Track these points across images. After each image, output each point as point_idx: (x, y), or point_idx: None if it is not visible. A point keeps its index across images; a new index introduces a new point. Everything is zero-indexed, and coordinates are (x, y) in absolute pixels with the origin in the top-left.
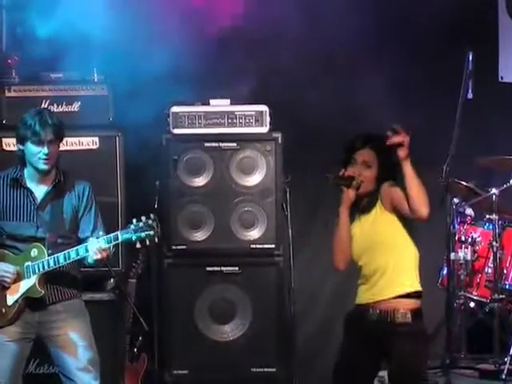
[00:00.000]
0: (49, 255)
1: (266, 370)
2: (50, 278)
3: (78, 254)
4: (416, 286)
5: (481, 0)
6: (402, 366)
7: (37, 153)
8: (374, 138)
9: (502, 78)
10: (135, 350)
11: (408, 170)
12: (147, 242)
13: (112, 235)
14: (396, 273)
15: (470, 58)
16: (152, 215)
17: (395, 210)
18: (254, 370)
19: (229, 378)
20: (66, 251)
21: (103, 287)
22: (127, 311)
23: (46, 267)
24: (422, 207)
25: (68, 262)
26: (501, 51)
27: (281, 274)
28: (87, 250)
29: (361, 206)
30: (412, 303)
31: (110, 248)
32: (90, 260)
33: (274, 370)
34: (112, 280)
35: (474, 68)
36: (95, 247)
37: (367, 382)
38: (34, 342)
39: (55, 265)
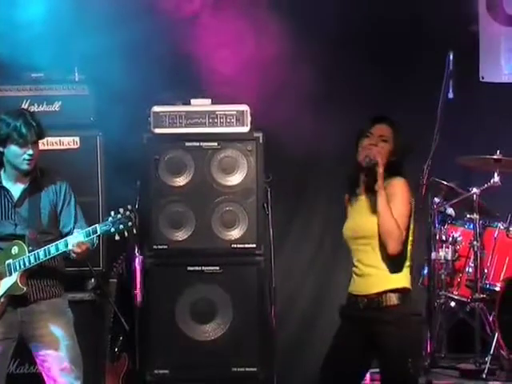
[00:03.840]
0: (29, 252)
1: (246, 369)
2: (33, 275)
3: (57, 250)
4: (406, 283)
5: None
6: (390, 356)
7: (21, 154)
8: (388, 117)
9: (482, 78)
10: (116, 349)
11: (382, 201)
12: (126, 234)
13: (91, 228)
14: (390, 270)
15: (451, 57)
16: (129, 207)
17: None
18: (235, 369)
19: (210, 377)
20: (46, 247)
21: (84, 287)
22: (108, 311)
23: (26, 264)
24: (391, 245)
25: (49, 257)
26: (481, 51)
27: (262, 273)
28: (67, 245)
29: (365, 183)
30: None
31: (92, 241)
32: (71, 255)
33: (254, 369)
34: (93, 280)
35: (454, 68)
36: (74, 241)
37: (358, 374)
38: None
39: (36, 261)
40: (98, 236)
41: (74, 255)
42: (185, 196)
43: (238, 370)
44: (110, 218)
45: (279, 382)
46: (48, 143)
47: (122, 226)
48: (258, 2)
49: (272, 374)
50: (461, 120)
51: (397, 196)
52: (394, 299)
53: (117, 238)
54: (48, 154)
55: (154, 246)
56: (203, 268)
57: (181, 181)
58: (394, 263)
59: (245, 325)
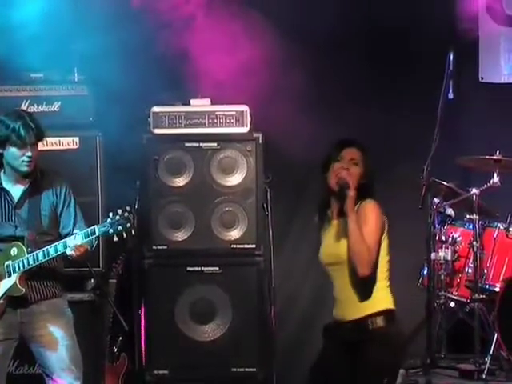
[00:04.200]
0: (28, 253)
1: (246, 369)
2: (33, 276)
3: (56, 251)
4: (389, 304)
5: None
6: (368, 373)
7: (20, 156)
8: (359, 141)
9: (482, 78)
10: (115, 350)
11: (352, 224)
12: (124, 235)
13: (89, 230)
14: (359, 296)
15: (451, 57)
16: (128, 207)
17: None
18: (235, 369)
19: (209, 377)
20: (44, 248)
21: (83, 287)
22: (107, 311)
23: (25, 265)
24: (360, 267)
25: (47, 258)
26: (481, 52)
27: (261, 273)
28: (65, 247)
29: (337, 207)
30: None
31: (91, 242)
32: (70, 256)
33: (254, 369)
34: (92, 280)
35: (454, 68)
36: (73, 244)
37: None
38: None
39: (34, 262)
40: (97, 237)
41: (72, 257)
42: (184, 196)
43: (238, 370)
44: (109, 220)
45: (278, 382)
46: (47, 143)
47: (120, 228)
48: (254, 2)
49: (271, 375)
50: (460, 120)
51: (368, 218)
52: (379, 322)
53: (115, 239)
54: (47, 155)
55: (154, 247)
56: (203, 268)
57: (180, 181)
58: (365, 287)
59: (244, 325)
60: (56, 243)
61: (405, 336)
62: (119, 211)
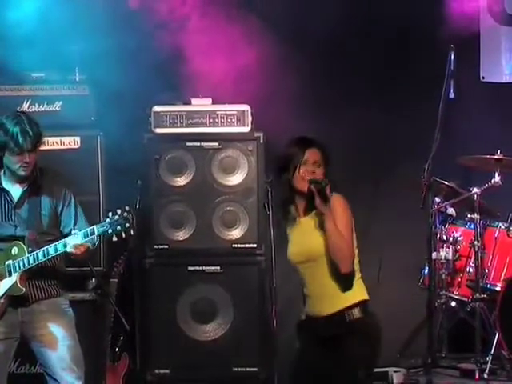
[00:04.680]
0: (29, 253)
1: (247, 369)
2: (33, 276)
3: (56, 250)
4: (362, 296)
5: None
6: (346, 364)
7: (17, 162)
8: (315, 139)
9: (483, 78)
10: (117, 349)
11: (330, 223)
12: (123, 235)
13: (88, 229)
14: (341, 288)
15: (452, 57)
16: (127, 207)
17: None
18: (236, 369)
19: (210, 377)
20: (44, 248)
21: (85, 287)
22: (109, 311)
23: (26, 265)
24: (343, 264)
25: (47, 258)
26: (482, 51)
27: (262, 273)
28: (65, 246)
29: (304, 206)
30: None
31: (93, 240)
32: (70, 255)
33: (255, 369)
34: (93, 280)
35: (455, 67)
36: (72, 243)
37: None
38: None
39: (35, 262)
40: (98, 236)
41: (73, 255)
42: (185, 196)
43: (239, 369)
44: (108, 219)
45: (280, 381)
46: (49, 143)
47: (119, 228)
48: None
49: (273, 374)
50: (462, 120)
51: (338, 213)
52: (356, 313)
53: (114, 239)
54: (49, 154)
55: (155, 246)
56: (204, 268)
57: (181, 181)
58: (346, 280)
59: (245, 325)
60: (56, 243)
61: (380, 325)
62: (118, 211)
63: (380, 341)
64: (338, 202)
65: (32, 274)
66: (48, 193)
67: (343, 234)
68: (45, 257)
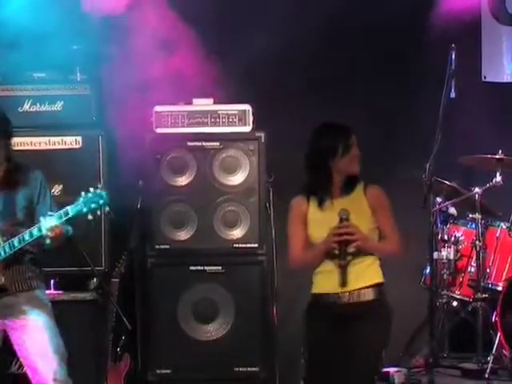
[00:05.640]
0: (4, 242)
1: (248, 369)
2: (11, 267)
3: (32, 236)
4: (378, 278)
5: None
6: (362, 349)
7: None
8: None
9: (484, 78)
10: (118, 349)
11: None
12: (98, 213)
13: (62, 211)
14: (365, 266)
15: (453, 56)
16: (99, 185)
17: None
18: (237, 369)
19: (212, 377)
20: (19, 235)
21: (86, 287)
22: (110, 311)
23: (2, 254)
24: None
25: (24, 244)
26: (483, 51)
27: (264, 273)
28: (40, 230)
29: (338, 188)
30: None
31: (66, 228)
32: (46, 240)
33: (256, 369)
34: (95, 279)
35: (456, 67)
36: (48, 225)
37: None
38: None
39: (11, 249)
40: (71, 218)
41: (49, 241)
42: (187, 196)
43: (240, 369)
44: (81, 198)
45: (281, 381)
46: (50, 143)
47: (94, 205)
48: None
49: (274, 374)
50: (463, 119)
51: (380, 204)
52: (370, 294)
53: (90, 217)
54: (50, 154)
55: (156, 246)
56: (205, 268)
57: (183, 180)
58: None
59: (247, 325)
60: (30, 228)
61: (393, 309)
62: (91, 189)
63: (390, 325)
64: (379, 193)
65: (8, 265)
66: (23, 186)
67: (389, 221)
68: (20, 243)
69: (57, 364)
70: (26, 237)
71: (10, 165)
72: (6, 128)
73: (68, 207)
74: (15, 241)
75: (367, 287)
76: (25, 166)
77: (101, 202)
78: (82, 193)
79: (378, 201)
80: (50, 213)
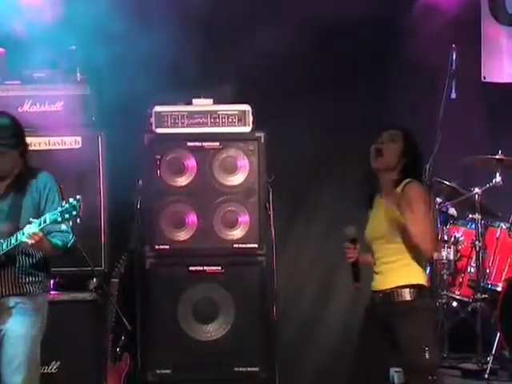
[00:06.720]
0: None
1: (248, 369)
2: (5, 269)
3: (16, 240)
4: (420, 279)
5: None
6: (403, 346)
7: None
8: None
9: (484, 78)
10: (118, 349)
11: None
12: (71, 223)
13: (41, 218)
14: (402, 264)
15: (454, 57)
16: (78, 196)
17: None
18: (237, 369)
19: (212, 377)
20: (8, 238)
21: (86, 287)
22: (110, 311)
23: None
24: (422, 248)
25: (10, 247)
26: (483, 51)
27: (264, 273)
28: (23, 234)
29: (384, 185)
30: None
31: (43, 232)
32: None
33: (256, 369)
34: (95, 280)
35: (456, 67)
36: (28, 232)
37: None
38: None
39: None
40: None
41: (31, 246)
42: (187, 196)
43: (240, 369)
44: (59, 208)
45: (281, 381)
46: (50, 143)
47: (67, 216)
48: None
49: (274, 374)
50: (463, 120)
51: (415, 201)
52: (406, 295)
53: (63, 227)
54: (50, 154)
55: (156, 246)
56: (205, 268)
57: (182, 181)
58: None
59: (247, 325)
60: (17, 232)
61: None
62: (70, 199)
63: (428, 323)
64: (413, 191)
65: (4, 269)
66: (32, 191)
67: (423, 220)
68: (8, 246)
69: (20, 380)
70: (13, 240)
71: (22, 169)
72: (18, 140)
73: (46, 215)
74: (4, 244)
75: (401, 287)
76: (36, 170)
77: (73, 213)
78: (63, 202)
79: (404, 197)
80: (31, 219)
